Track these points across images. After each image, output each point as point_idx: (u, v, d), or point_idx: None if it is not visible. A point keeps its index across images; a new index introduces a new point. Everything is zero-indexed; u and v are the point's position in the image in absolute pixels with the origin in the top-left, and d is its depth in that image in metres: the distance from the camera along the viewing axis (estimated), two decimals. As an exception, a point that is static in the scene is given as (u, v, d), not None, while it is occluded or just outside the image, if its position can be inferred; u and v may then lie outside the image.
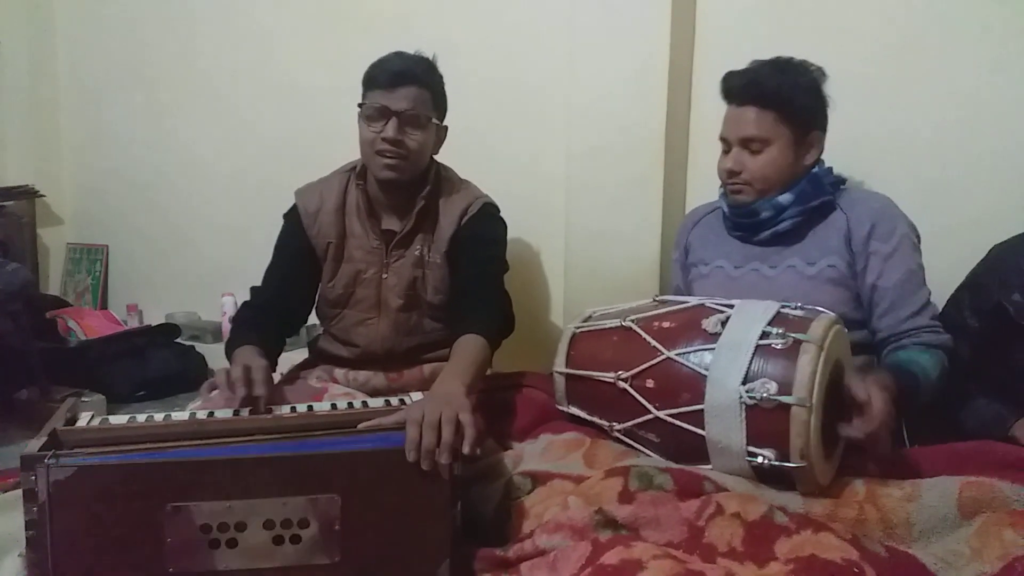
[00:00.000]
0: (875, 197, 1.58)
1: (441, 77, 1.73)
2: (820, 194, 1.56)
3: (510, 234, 1.84)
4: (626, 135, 2.10)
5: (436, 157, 1.80)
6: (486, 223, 1.77)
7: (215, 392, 1.47)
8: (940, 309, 1.64)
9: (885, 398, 1.24)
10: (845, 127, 1.70)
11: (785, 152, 1.54)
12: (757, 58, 1.60)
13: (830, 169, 1.63)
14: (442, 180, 1.78)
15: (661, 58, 2.04)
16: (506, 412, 1.67)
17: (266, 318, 1.71)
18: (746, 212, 1.60)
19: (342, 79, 1.81)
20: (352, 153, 1.77)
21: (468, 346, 1.54)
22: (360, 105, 1.67)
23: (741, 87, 1.56)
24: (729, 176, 1.59)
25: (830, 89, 1.59)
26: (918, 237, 1.56)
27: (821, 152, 1.61)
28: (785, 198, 1.56)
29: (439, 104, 1.73)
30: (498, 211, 1.81)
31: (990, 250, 1.59)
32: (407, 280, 1.74)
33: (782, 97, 1.52)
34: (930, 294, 1.54)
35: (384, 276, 1.74)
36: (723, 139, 1.61)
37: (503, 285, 1.79)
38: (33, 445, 1.13)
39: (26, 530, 1.09)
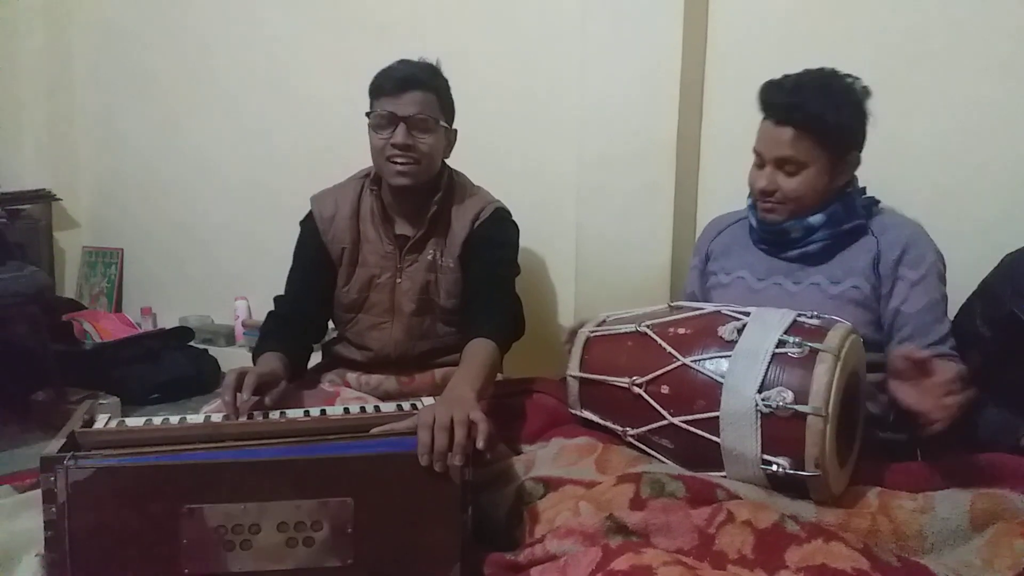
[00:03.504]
0: (907, 223, 1.57)
1: (446, 81, 1.74)
2: (852, 217, 1.54)
3: (521, 240, 1.84)
4: (637, 142, 2.11)
5: (449, 163, 1.81)
6: (498, 227, 1.78)
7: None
8: (952, 317, 1.64)
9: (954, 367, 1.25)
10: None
11: (821, 174, 1.51)
12: (778, 65, 1.56)
13: (863, 189, 1.60)
14: (455, 185, 1.79)
15: (672, 65, 2.05)
16: (517, 417, 1.68)
17: (290, 327, 1.73)
18: (776, 231, 1.58)
19: (354, 86, 1.82)
20: (364, 160, 1.78)
21: (478, 351, 1.55)
22: (369, 114, 1.68)
23: (783, 107, 1.49)
24: (762, 195, 1.56)
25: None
26: (944, 267, 1.55)
27: (855, 170, 1.57)
28: (816, 219, 1.53)
29: (446, 108, 1.73)
30: (510, 215, 1.82)
31: (1003, 259, 1.59)
32: (420, 284, 1.75)
33: (825, 124, 1.47)
34: (950, 325, 1.53)
35: (398, 281, 1.75)
36: (757, 153, 1.56)
37: (514, 288, 1.80)
38: (52, 446, 1.15)
39: (45, 530, 1.11)
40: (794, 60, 1.60)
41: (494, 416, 1.61)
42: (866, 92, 1.52)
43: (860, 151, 1.55)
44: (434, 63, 1.73)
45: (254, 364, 1.61)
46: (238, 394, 1.42)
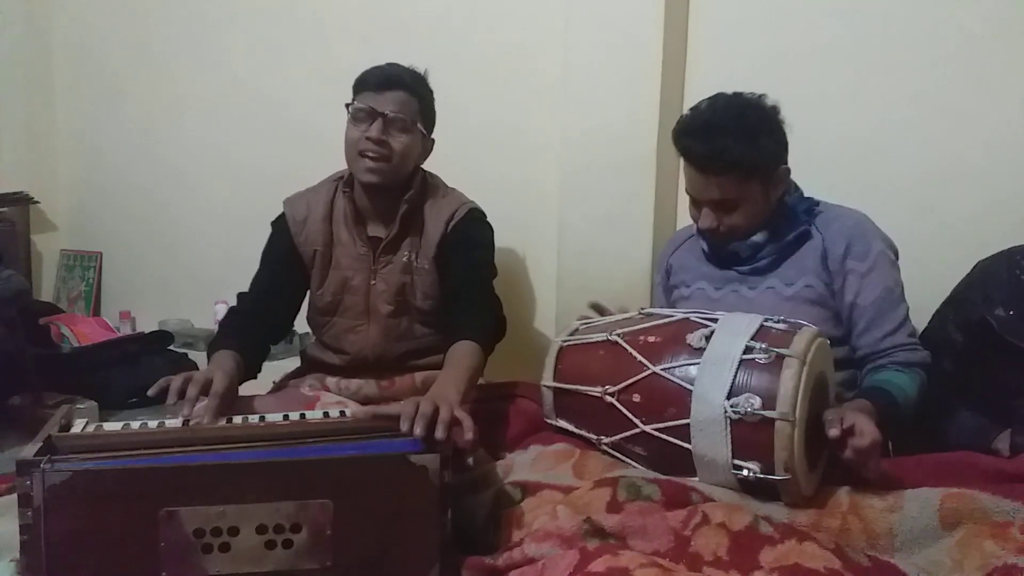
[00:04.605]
0: (849, 214, 1.58)
1: (431, 91, 1.76)
2: (795, 227, 1.56)
3: (503, 247, 1.86)
4: (618, 152, 2.13)
5: (427, 169, 1.82)
6: (474, 228, 1.79)
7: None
8: (925, 324, 1.66)
9: (866, 419, 1.26)
10: (829, 144, 1.72)
11: (758, 200, 1.54)
12: (757, 78, 1.58)
13: (801, 194, 1.61)
14: (428, 186, 1.80)
15: (653, 74, 2.07)
16: (497, 422, 1.68)
17: (250, 325, 1.72)
18: (726, 254, 1.62)
19: (334, 92, 1.83)
20: (343, 166, 1.79)
21: (461, 353, 1.56)
22: (347, 106, 1.69)
23: (703, 157, 1.50)
24: (708, 232, 1.59)
25: (817, 106, 1.60)
26: (895, 253, 1.57)
27: (787, 178, 1.59)
28: (760, 237, 1.56)
29: (426, 114, 1.76)
30: (485, 216, 1.83)
31: (974, 266, 1.62)
32: (396, 286, 1.75)
33: (747, 163, 1.48)
34: (908, 310, 1.55)
35: (372, 282, 1.76)
36: (689, 194, 1.58)
37: (493, 289, 1.81)
38: (29, 450, 1.14)
39: (20, 534, 1.10)
40: (773, 73, 1.63)
41: (475, 420, 1.61)
42: (775, 109, 1.53)
43: (786, 161, 1.56)
44: (422, 72, 1.75)
45: (208, 360, 1.59)
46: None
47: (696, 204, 1.59)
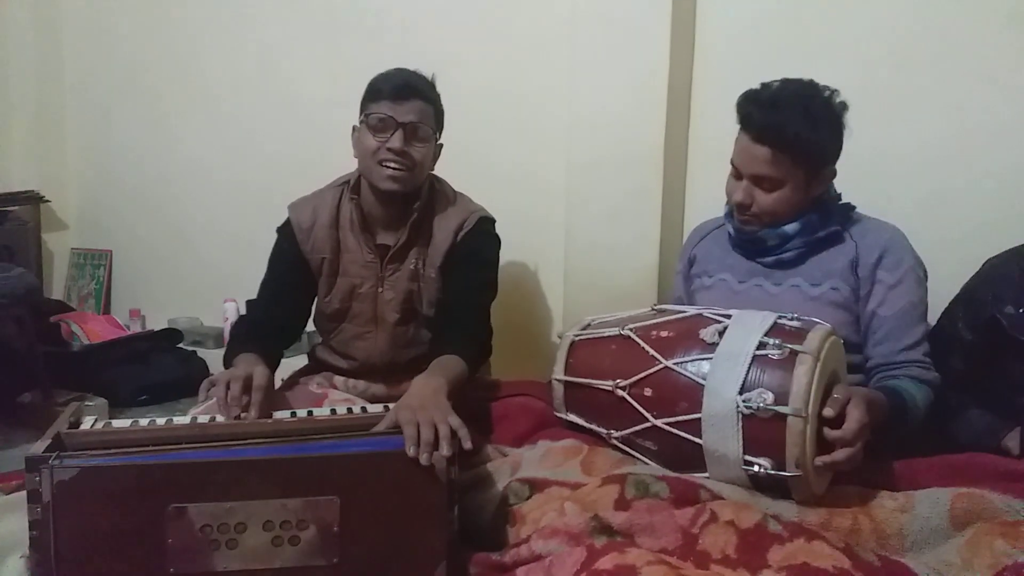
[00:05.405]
0: (886, 228, 1.57)
1: (439, 96, 1.75)
2: (827, 225, 1.55)
3: (510, 245, 1.84)
4: (626, 148, 2.12)
5: (434, 172, 1.81)
6: (481, 241, 1.77)
7: (212, 397, 1.46)
8: (934, 322, 1.66)
9: (863, 408, 1.24)
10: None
11: (798, 190, 1.51)
12: (765, 73, 1.55)
13: (839, 196, 1.60)
14: (436, 193, 1.79)
15: (661, 71, 2.06)
16: (504, 419, 1.68)
17: (262, 332, 1.72)
18: (752, 239, 1.60)
19: (344, 89, 1.83)
20: (354, 164, 1.79)
21: (448, 361, 1.55)
22: (366, 115, 1.68)
23: (761, 126, 1.48)
24: (739, 207, 1.56)
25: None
26: (924, 273, 1.56)
27: (831, 180, 1.58)
28: (791, 227, 1.55)
29: (439, 120, 1.75)
30: (493, 227, 1.82)
31: (984, 264, 1.61)
32: (403, 294, 1.74)
33: (803, 145, 1.46)
34: (927, 330, 1.54)
35: (380, 290, 1.75)
36: (735, 165, 1.57)
37: (488, 315, 1.79)
38: (38, 447, 1.15)
39: (30, 530, 1.11)
40: (781, 68, 1.61)
41: (482, 418, 1.63)
42: (844, 107, 1.51)
43: (835, 164, 1.55)
44: (429, 77, 1.74)
45: (226, 367, 1.58)
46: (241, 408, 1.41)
47: (737, 176, 1.56)
